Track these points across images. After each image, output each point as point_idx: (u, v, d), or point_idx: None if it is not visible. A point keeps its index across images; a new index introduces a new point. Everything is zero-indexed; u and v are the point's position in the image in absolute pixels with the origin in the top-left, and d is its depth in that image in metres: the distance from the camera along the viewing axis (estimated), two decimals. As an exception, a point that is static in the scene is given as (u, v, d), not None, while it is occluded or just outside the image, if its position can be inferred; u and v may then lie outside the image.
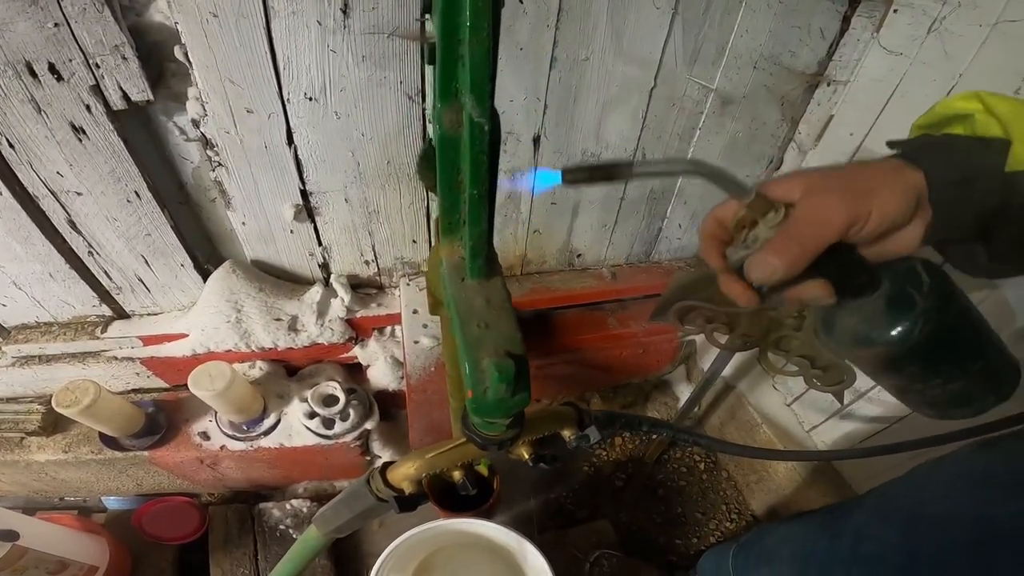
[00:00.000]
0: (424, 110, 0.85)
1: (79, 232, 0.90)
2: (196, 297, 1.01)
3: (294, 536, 1.19)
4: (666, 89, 0.93)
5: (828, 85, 0.97)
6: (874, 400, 0.95)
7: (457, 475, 0.48)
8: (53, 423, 1.11)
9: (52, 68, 0.71)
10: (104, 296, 1.01)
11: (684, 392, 1.46)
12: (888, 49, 0.87)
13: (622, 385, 1.40)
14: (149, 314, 1.06)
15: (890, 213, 0.37)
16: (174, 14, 0.70)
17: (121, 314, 1.05)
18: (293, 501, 1.24)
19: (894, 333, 0.40)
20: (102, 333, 1.03)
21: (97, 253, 0.93)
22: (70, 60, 0.71)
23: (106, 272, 0.96)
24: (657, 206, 1.13)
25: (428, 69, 0.81)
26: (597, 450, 1.44)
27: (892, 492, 0.58)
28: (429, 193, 0.96)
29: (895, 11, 0.85)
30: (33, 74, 0.71)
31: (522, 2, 0.78)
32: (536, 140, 0.93)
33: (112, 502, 1.27)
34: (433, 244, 0.40)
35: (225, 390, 0.92)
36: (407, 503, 0.46)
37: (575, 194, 1.04)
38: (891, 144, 0.44)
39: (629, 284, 1.17)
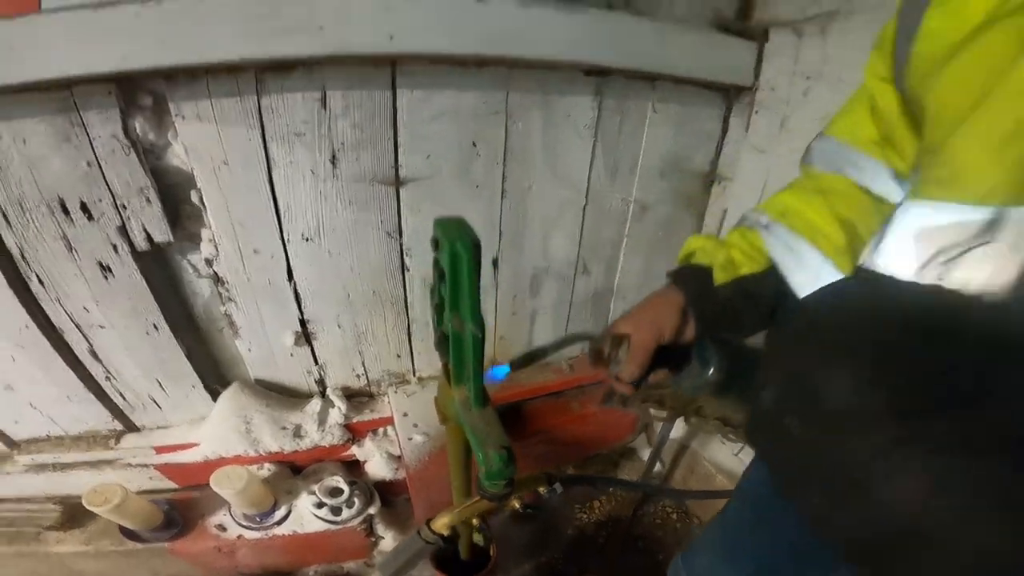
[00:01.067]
0: (401, 245, 1.02)
1: (99, 360, 1.01)
2: (203, 412, 1.12)
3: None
4: (595, 205, 1.13)
5: (719, 183, 1.20)
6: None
7: (476, 522, 0.70)
8: (70, 518, 1.17)
9: (84, 207, 0.83)
10: (117, 414, 1.10)
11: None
12: (756, 147, 1.10)
13: (592, 456, 1.57)
14: (159, 428, 1.15)
15: (672, 325, 0.62)
16: (190, 160, 0.85)
17: (132, 428, 1.14)
18: (307, 582, 1.31)
19: (707, 376, 0.62)
20: (116, 444, 1.12)
21: (114, 378, 1.04)
22: (100, 200, 0.83)
23: (121, 394, 1.06)
24: (600, 305, 1.31)
25: (404, 210, 0.99)
26: (579, 512, 1.55)
27: None
28: (410, 316, 1.13)
29: (756, 112, 1.08)
30: (66, 211, 0.83)
31: (475, 146, 0.96)
32: (495, 262, 1.11)
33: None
34: (442, 382, 0.61)
35: (243, 489, 1.03)
36: (446, 542, 0.69)
37: (532, 303, 1.22)
38: (668, 272, 0.67)
39: (585, 373, 1.36)
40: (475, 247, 0.46)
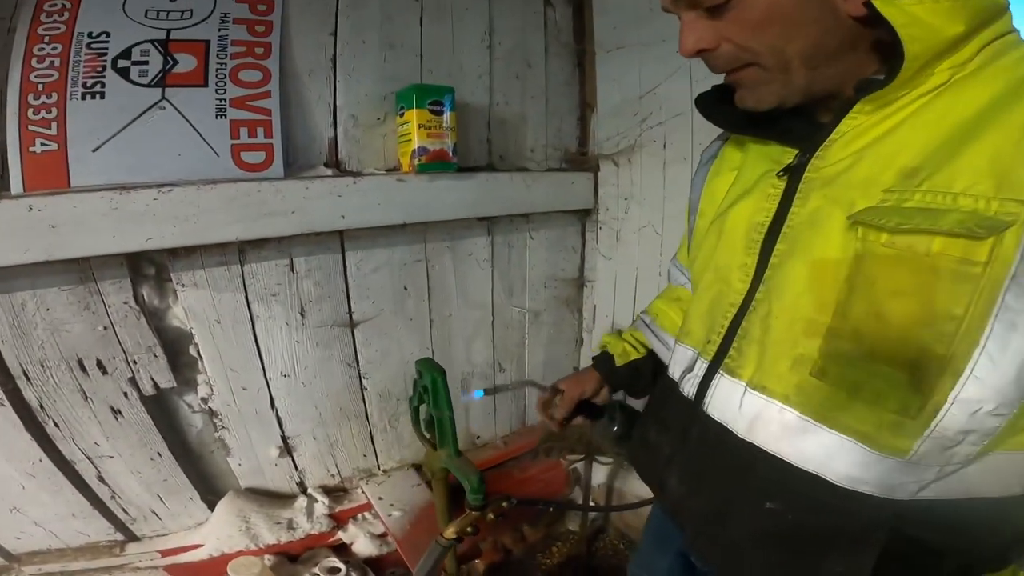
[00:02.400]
0: (359, 371, 1.27)
1: (106, 484, 1.16)
2: (199, 519, 1.29)
3: None
4: (500, 319, 1.44)
5: (586, 286, 1.53)
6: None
7: (469, 529, 0.94)
8: None
9: (99, 364, 1.01)
10: (119, 526, 1.25)
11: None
12: (604, 255, 1.44)
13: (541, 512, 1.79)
14: (158, 536, 1.30)
15: (592, 388, 0.97)
16: (189, 320, 1.05)
17: (132, 538, 1.29)
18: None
19: (613, 431, 0.93)
20: (121, 552, 1.26)
21: (119, 497, 1.19)
22: (114, 357, 1.01)
23: (125, 510, 1.22)
24: (517, 393, 1.60)
25: (359, 344, 1.24)
26: (543, 560, 1.79)
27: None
28: (370, 423, 1.36)
29: (600, 228, 1.41)
30: (83, 369, 1.00)
31: (406, 289, 1.23)
32: None
33: None
34: (428, 451, 1.00)
35: (259, 575, 1.19)
36: (455, 542, 0.93)
37: (464, 398, 1.49)
38: (592, 357, 1.01)
39: (517, 445, 1.62)
40: (443, 373, 0.90)
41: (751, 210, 0.62)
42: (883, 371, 0.48)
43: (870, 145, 0.51)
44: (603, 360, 0.98)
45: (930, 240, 0.44)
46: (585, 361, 1.66)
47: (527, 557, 1.77)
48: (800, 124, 0.58)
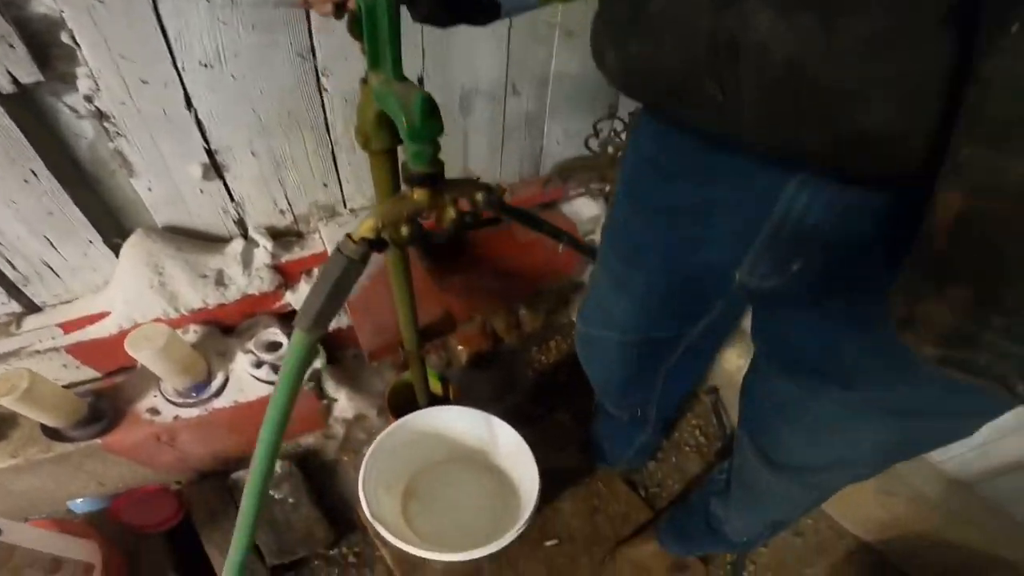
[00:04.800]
0: (316, 66, 0.91)
1: (-26, 220, 0.85)
2: (110, 275, 1.00)
3: (275, 496, 1.22)
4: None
5: None
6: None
7: (405, 230, 0.55)
8: None
9: None
10: (11, 289, 0.96)
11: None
12: None
13: (544, 291, 1.54)
14: (62, 303, 1.02)
15: None
16: (58, 4, 0.70)
17: (32, 308, 1.01)
18: (265, 464, 1.26)
19: None
20: (17, 329, 0.99)
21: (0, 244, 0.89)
22: None
23: (10, 262, 0.92)
24: (534, 127, 1.23)
25: (316, 28, 0.86)
26: (536, 355, 1.59)
27: None
28: (332, 139, 1.01)
29: None
30: None
31: None
32: (420, 80, 1.01)
33: (80, 506, 1.23)
34: (360, 101, 0.53)
35: (165, 346, 0.92)
36: (376, 246, 0.53)
37: (462, 122, 1.13)
38: None
39: (525, 197, 1.30)
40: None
41: None
42: None
43: None
44: None
45: None
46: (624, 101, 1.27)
47: (520, 349, 1.57)
48: None
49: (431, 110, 0.45)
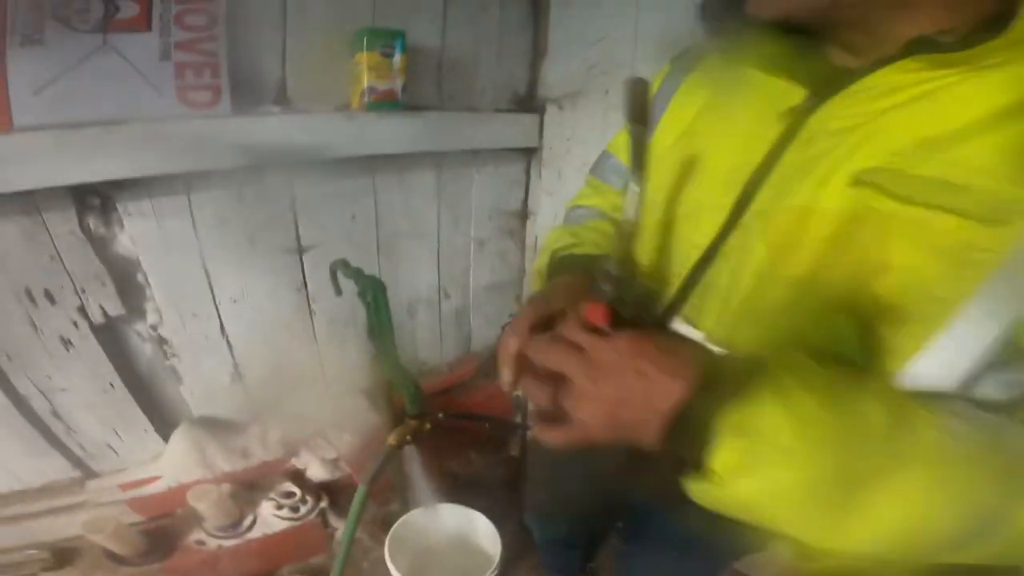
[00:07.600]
0: (308, 296, 1.31)
1: (61, 419, 1.18)
2: (155, 452, 1.31)
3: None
4: (447, 247, 1.54)
5: (530, 218, 1.63)
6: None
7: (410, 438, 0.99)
8: (59, 560, 1.25)
9: (47, 293, 1.02)
10: (77, 463, 1.27)
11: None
12: (547, 191, 1.54)
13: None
14: (116, 471, 1.32)
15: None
16: (136, 248, 1.07)
17: (91, 475, 1.31)
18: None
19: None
20: (81, 490, 1.28)
21: (75, 432, 1.21)
22: (62, 287, 1.03)
23: (81, 445, 1.24)
24: (463, 319, 1.66)
25: (308, 268, 1.28)
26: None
27: None
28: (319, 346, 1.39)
29: (544, 166, 1.53)
30: (32, 299, 1.01)
31: (355, 218, 1.24)
32: None
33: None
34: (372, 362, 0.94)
35: (218, 501, 1.22)
36: (397, 449, 0.97)
37: (411, 323, 1.55)
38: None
39: (462, 372, 1.69)
40: (383, 288, 0.90)
41: (738, 148, 0.56)
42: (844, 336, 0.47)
43: (898, 107, 0.44)
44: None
45: (943, 217, 0.40)
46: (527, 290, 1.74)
47: (472, 481, 1.82)
48: (816, 63, 0.51)
49: (418, 389, 0.90)
